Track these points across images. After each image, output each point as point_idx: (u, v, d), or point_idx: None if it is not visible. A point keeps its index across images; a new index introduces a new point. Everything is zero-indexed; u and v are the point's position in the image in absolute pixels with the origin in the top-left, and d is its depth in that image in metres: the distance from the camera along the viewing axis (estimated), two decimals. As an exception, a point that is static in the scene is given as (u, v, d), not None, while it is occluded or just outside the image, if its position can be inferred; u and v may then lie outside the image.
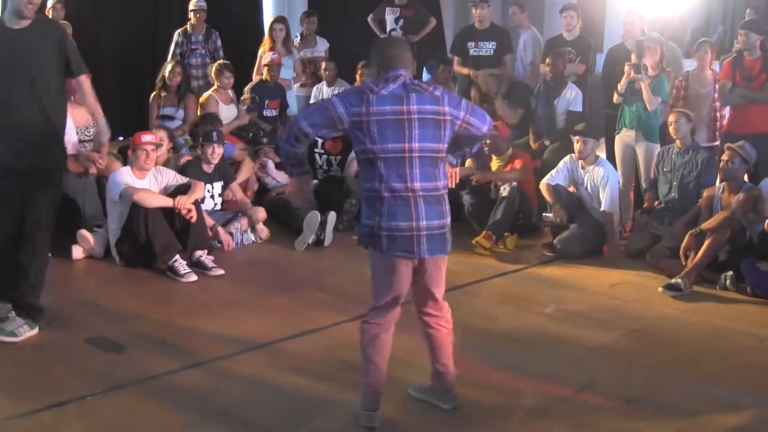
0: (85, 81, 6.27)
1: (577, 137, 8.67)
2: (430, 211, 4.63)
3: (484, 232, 8.58)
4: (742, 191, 7.64)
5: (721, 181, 7.92)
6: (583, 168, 8.65)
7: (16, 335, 5.92)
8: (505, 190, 8.73)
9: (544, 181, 8.80)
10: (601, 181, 8.47)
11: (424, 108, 4.62)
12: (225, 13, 12.52)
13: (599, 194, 8.50)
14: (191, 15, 11.18)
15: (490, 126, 4.94)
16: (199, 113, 9.86)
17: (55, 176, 6.19)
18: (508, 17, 12.06)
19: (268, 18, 13.20)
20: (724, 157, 7.84)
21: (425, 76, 12.40)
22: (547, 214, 8.64)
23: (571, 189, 8.78)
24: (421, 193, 4.60)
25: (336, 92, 10.87)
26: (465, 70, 11.06)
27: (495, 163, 9.19)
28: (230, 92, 10.42)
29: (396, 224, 4.56)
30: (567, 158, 8.81)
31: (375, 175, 4.57)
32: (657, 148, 8.98)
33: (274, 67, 10.73)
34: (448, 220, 4.77)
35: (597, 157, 8.71)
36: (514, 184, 8.77)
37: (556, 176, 8.76)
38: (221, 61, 10.54)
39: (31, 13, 5.80)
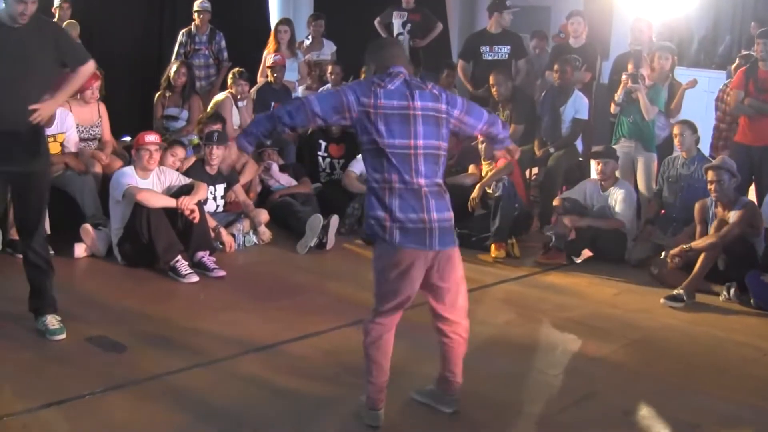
0: (80, 72, 5.93)
1: (597, 159, 8.62)
2: (438, 204, 4.62)
3: (493, 244, 8.53)
4: (737, 208, 7.57)
5: (716, 200, 7.74)
6: (603, 190, 8.56)
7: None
8: (498, 189, 8.61)
9: (560, 197, 8.87)
10: (623, 202, 8.42)
11: (426, 105, 4.62)
12: (231, 15, 12.48)
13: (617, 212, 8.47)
14: (195, 16, 11.11)
15: (487, 122, 4.93)
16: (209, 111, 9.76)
17: (45, 178, 6.06)
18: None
19: (274, 20, 13.16)
20: (712, 177, 7.62)
21: None
22: (550, 228, 8.70)
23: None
24: (426, 189, 4.59)
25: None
26: (468, 86, 11.07)
27: (484, 167, 9.12)
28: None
29: (407, 216, 4.53)
30: (587, 181, 8.79)
31: (387, 167, 4.53)
32: (655, 158, 8.97)
33: (278, 68, 10.67)
34: (452, 213, 4.76)
35: (617, 178, 8.64)
36: (505, 178, 8.68)
37: (571, 194, 8.79)
38: (237, 69, 10.32)
39: (25, 21, 5.59)
